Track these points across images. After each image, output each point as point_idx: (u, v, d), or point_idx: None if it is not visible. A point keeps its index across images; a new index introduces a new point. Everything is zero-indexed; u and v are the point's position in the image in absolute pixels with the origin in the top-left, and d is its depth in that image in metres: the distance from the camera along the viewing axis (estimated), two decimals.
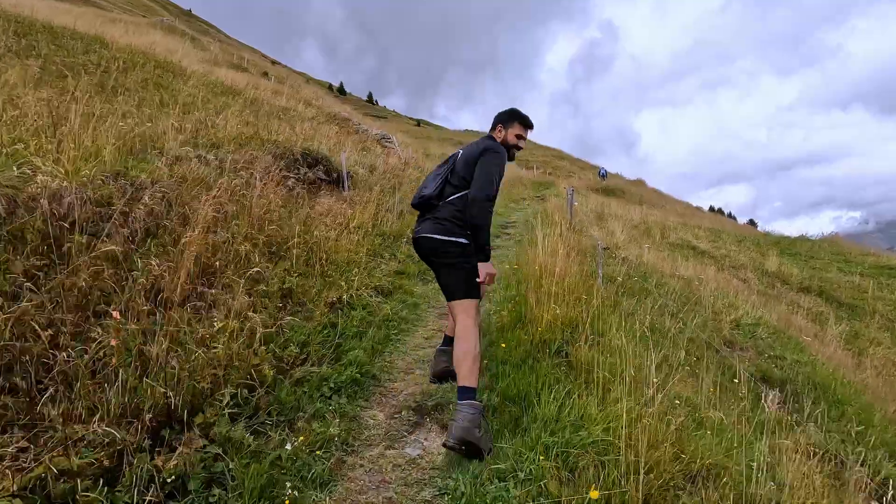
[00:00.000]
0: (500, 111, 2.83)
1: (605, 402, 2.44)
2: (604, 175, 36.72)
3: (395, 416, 2.71)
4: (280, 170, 5.97)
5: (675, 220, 21.89)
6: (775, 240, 17.88)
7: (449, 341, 3.00)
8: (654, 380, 2.36)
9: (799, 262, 15.16)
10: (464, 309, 2.55)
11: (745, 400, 3.13)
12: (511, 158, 2.75)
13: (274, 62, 72.77)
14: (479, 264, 2.56)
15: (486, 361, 3.00)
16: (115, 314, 2.31)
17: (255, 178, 4.62)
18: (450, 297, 2.63)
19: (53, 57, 8.92)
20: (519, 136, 2.78)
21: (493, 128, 2.86)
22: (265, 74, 24.91)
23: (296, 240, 3.96)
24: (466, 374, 2.35)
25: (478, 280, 2.56)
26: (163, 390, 2.11)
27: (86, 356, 2.18)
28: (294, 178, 6.55)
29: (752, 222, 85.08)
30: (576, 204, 8.29)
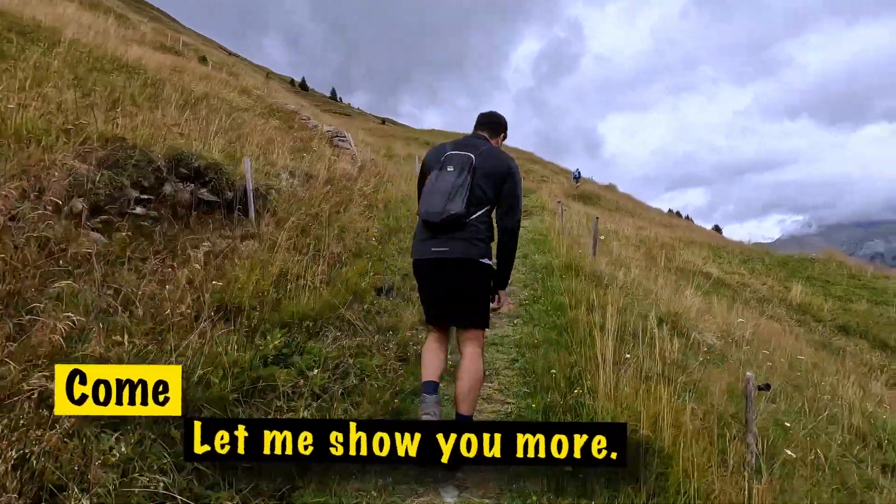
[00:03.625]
0: (499, 115, 2.73)
1: None
2: (577, 177, 34.91)
3: None
4: (90, 193, 3.13)
5: (665, 233, 19.87)
6: (781, 259, 16.03)
7: (433, 387, 2.32)
8: None
9: (817, 288, 13.25)
10: (477, 338, 2.46)
11: None
12: None
13: (231, 54, 67.77)
14: (500, 292, 2.55)
15: None
16: None
17: None
18: (463, 325, 2.46)
19: None
20: None
21: (497, 132, 2.70)
22: (203, 59, 21.47)
23: None
24: (472, 404, 2.31)
25: (493, 308, 2.53)
26: None
27: None
28: (143, 205, 3.70)
29: (717, 228, 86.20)
30: (602, 238, 5.78)
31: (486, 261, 2.41)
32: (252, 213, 4.69)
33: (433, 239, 2.39)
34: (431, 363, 2.39)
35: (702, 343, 3.75)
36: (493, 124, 2.68)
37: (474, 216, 2.39)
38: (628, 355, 2.88)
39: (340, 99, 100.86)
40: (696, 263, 13.02)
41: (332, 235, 4.84)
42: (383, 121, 75.38)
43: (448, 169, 2.41)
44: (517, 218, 2.48)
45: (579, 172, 35.22)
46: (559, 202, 10.76)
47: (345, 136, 13.72)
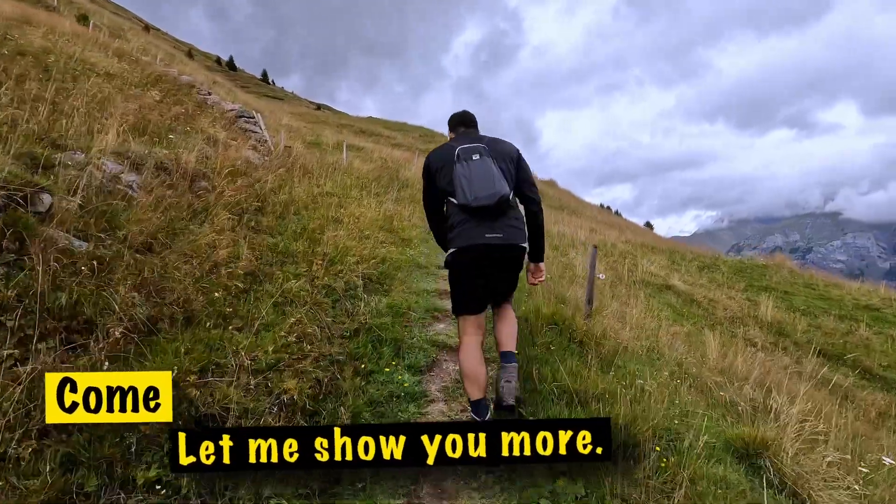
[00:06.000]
0: (472, 113, 2.81)
1: None
2: None
3: None
4: None
5: (614, 236, 18.76)
6: (737, 267, 15.24)
7: (487, 410, 2.31)
8: None
9: (778, 299, 12.39)
10: (512, 299, 2.68)
11: None
12: None
13: (150, 27, 60.84)
14: (540, 265, 2.71)
15: None
16: None
17: None
18: (503, 297, 2.63)
19: None
20: None
21: (477, 127, 2.79)
22: (83, 18, 17.67)
23: None
24: (515, 342, 2.49)
25: (538, 281, 2.76)
26: None
27: None
28: None
29: (648, 224, 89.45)
30: (601, 277, 3.93)
31: (525, 245, 2.48)
32: None
33: (482, 225, 2.35)
34: (481, 374, 2.31)
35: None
36: (474, 121, 2.75)
37: (512, 197, 2.47)
38: None
39: (273, 81, 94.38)
40: (658, 274, 11.70)
41: (136, 282, 2.57)
42: (318, 106, 71.05)
43: (474, 158, 2.41)
44: (537, 193, 2.59)
45: None
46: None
47: (252, 117, 11.09)
